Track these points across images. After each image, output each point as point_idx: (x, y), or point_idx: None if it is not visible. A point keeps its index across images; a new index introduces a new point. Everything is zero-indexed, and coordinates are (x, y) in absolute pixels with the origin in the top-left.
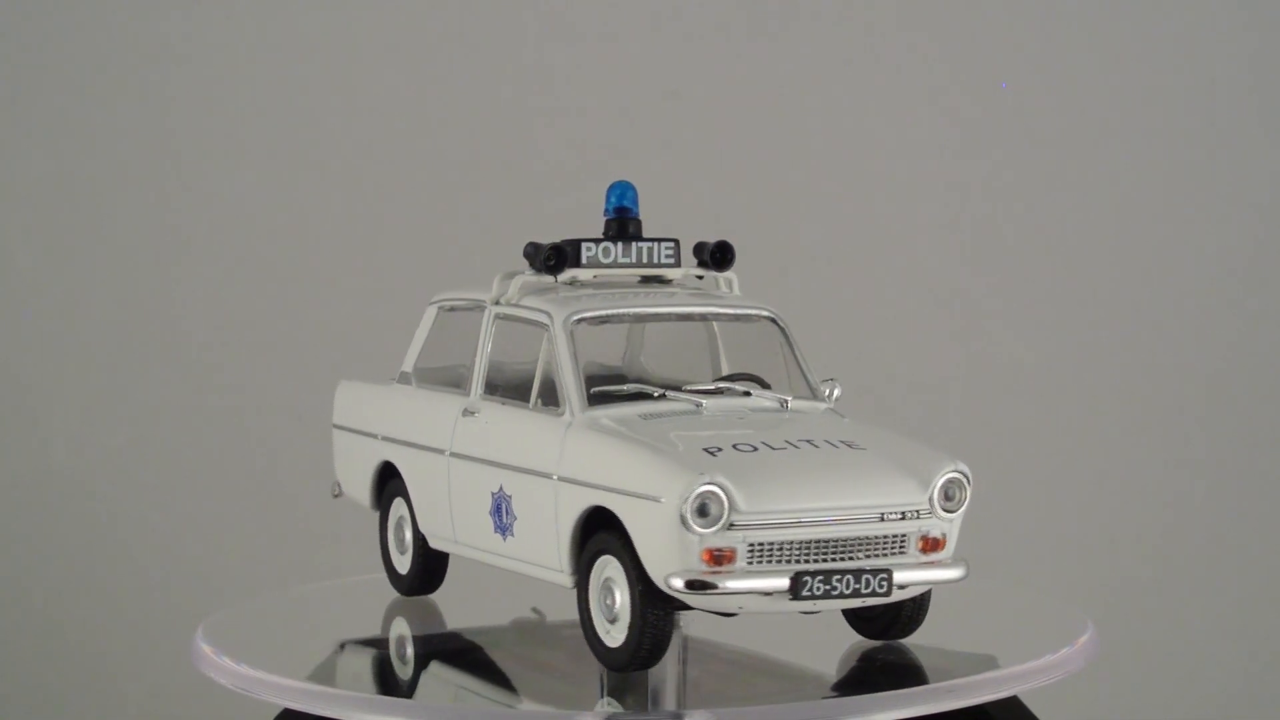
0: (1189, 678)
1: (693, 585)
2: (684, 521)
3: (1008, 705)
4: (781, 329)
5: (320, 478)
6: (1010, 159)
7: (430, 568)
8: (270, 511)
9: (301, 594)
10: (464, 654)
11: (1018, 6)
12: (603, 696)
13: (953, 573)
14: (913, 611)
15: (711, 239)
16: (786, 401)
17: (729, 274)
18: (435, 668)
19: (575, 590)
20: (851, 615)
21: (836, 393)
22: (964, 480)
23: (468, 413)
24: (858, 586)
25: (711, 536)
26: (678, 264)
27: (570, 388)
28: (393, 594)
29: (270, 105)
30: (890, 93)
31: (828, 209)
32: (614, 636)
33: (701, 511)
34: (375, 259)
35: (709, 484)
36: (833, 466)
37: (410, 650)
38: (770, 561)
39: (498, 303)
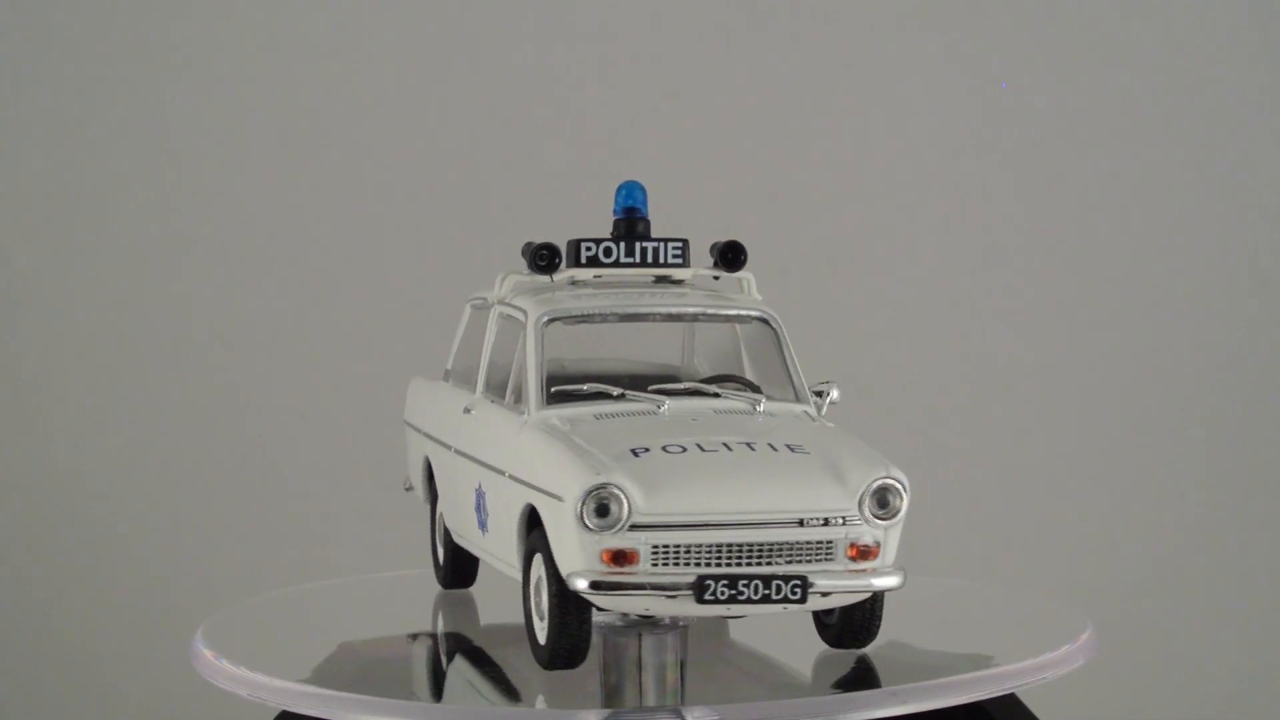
0: (1188, 678)
1: (596, 586)
2: (581, 521)
3: (1006, 704)
4: (774, 330)
5: (321, 477)
6: (1010, 159)
7: (459, 563)
8: (270, 511)
9: (301, 594)
10: (464, 653)
11: (1018, 6)
12: (603, 694)
13: (883, 581)
14: (863, 620)
15: (715, 239)
16: (758, 403)
17: (745, 274)
18: (435, 667)
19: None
20: (815, 623)
21: (834, 395)
22: (898, 488)
23: (467, 410)
24: (767, 592)
25: (611, 537)
26: (685, 264)
27: (530, 386)
28: (392, 594)
29: (270, 105)
30: (890, 93)
31: (828, 209)
32: (542, 634)
33: (600, 511)
34: (375, 259)
35: (603, 484)
36: (755, 469)
37: (410, 650)
38: (675, 564)
39: (500, 301)
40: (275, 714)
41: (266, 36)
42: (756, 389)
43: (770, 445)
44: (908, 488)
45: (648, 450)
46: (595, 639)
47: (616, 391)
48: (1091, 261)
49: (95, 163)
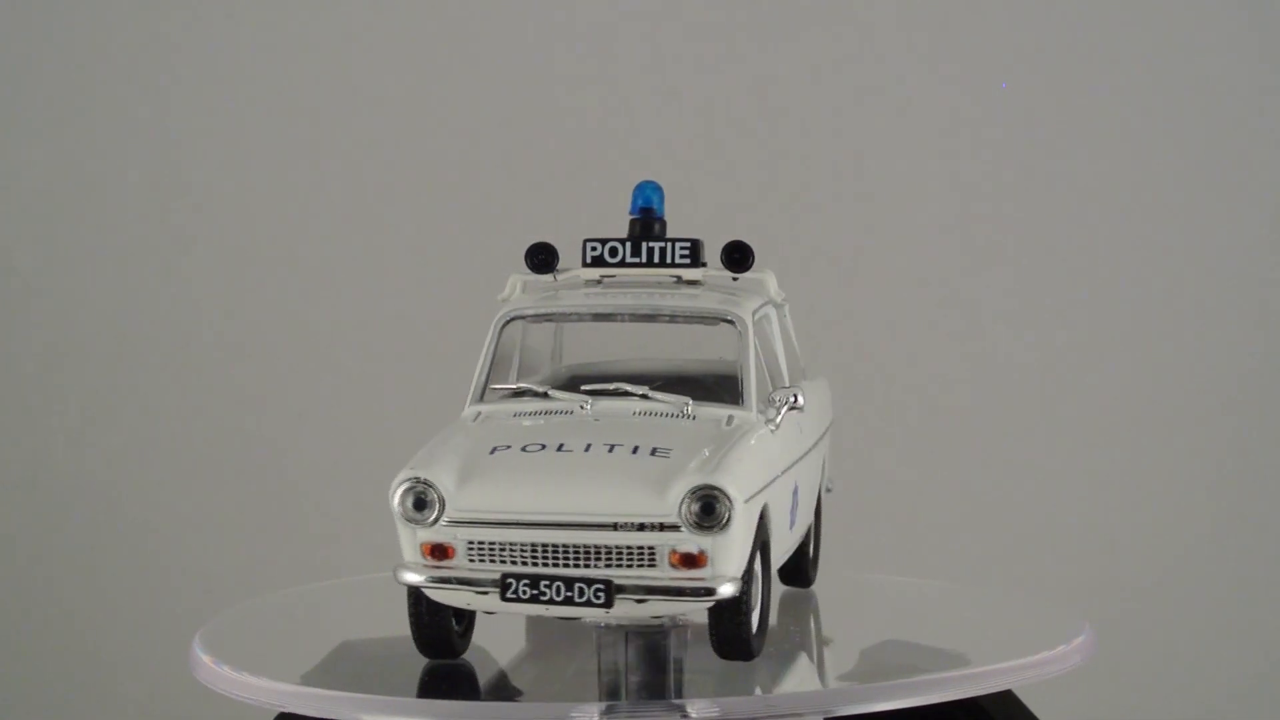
0: (1187, 678)
1: (417, 578)
2: (400, 513)
3: (1004, 702)
4: (739, 332)
5: (321, 478)
6: (1010, 159)
7: None
8: (270, 511)
9: (300, 595)
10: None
11: (1018, 6)
12: (602, 688)
13: (705, 592)
14: (730, 632)
15: (720, 239)
16: (686, 406)
17: (758, 274)
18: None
19: None
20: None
21: (794, 400)
22: (719, 497)
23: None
24: (570, 594)
25: (426, 531)
26: (695, 264)
27: (472, 384)
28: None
29: (270, 106)
30: (890, 93)
31: (828, 209)
32: None
33: (417, 505)
34: (376, 259)
35: (416, 477)
36: (587, 471)
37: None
38: (489, 560)
39: (502, 300)
40: (275, 715)
41: (266, 37)
42: (719, 392)
43: (634, 449)
44: (733, 498)
45: (508, 448)
46: (591, 636)
47: (541, 390)
48: (1091, 262)
49: (95, 163)
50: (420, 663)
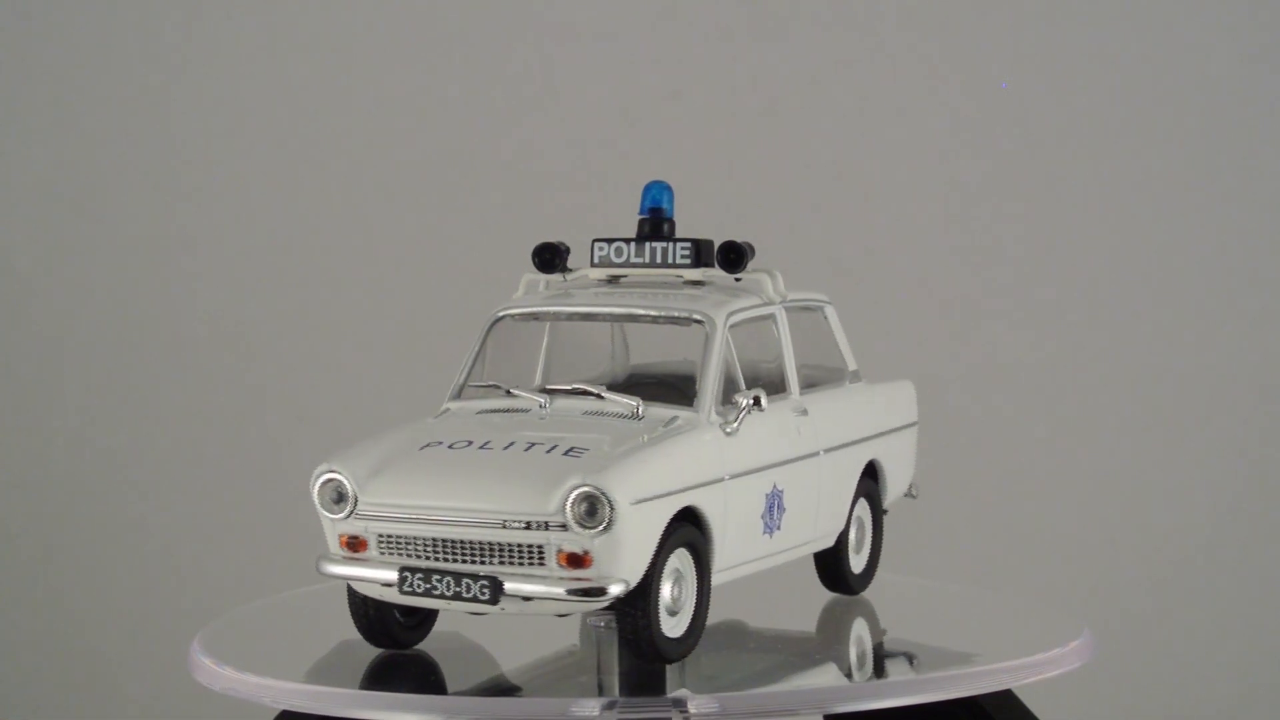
0: (1187, 678)
1: (332, 569)
2: (317, 505)
3: (1004, 702)
4: (706, 333)
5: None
6: (1010, 159)
7: None
8: (271, 512)
9: (301, 595)
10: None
11: (1018, 6)
12: (602, 684)
13: (585, 592)
14: (632, 633)
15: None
16: (638, 406)
17: (758, 273)
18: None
19: None
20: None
21: (749, 402)
22: (598, 498)
23: None
24: (458, 590)
25: (342, 523)
26: (696, 264)
27: (454, 381)
28: None
29: (270, 106)
30: (890, 92)
31: (828, 209)
32: None
33: (336, 498)
34: (376, 260)
35: (329, 470)
36: (494, 469)
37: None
38: (395, 554)
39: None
40: (277, 714)
41: (266, 37)
42: (685, 394)
43: (552, 448)
44: (614, 500)
45: (438, 445)
46: (591, 633)
47: (504, 389)
48: (1091, 262)
49: (95, 163)
50: (422, 661)
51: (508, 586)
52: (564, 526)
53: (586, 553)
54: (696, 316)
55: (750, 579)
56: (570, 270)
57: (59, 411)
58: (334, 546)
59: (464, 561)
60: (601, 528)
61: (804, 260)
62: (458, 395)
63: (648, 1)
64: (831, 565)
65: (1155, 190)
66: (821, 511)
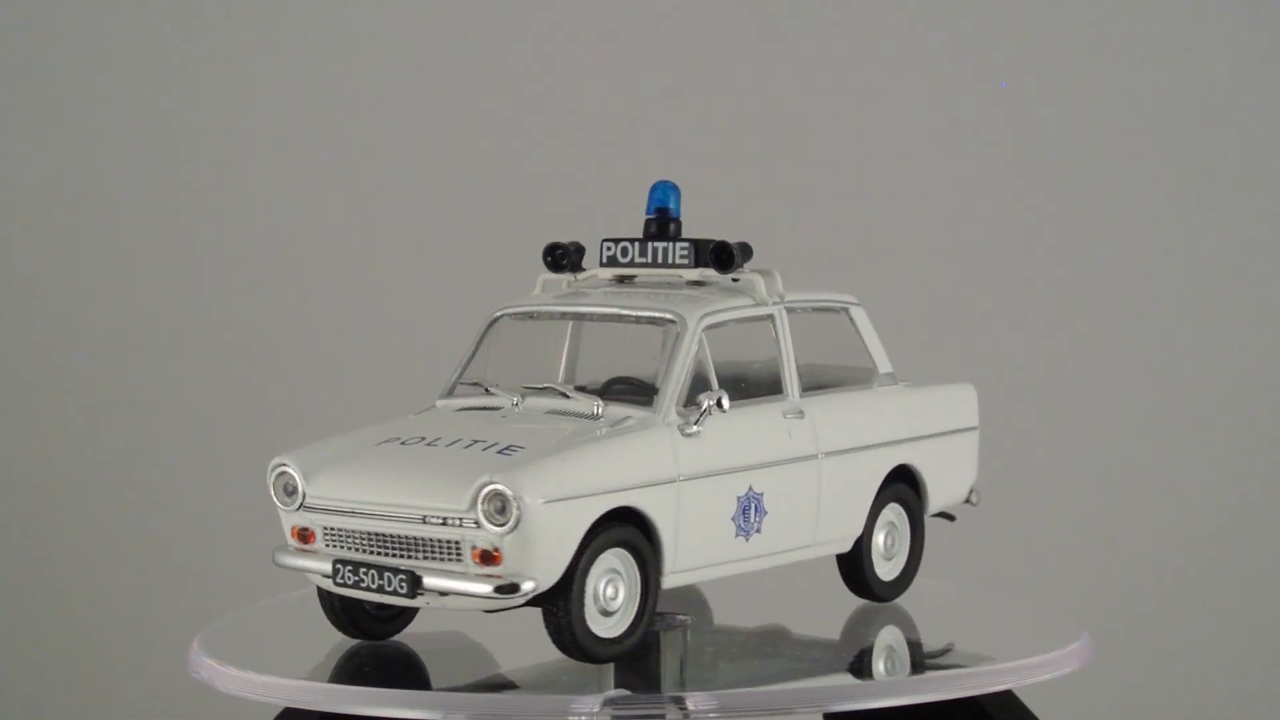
0: (1187, 679)
1: (284, 560)
2: (272, 497)
3: (1004, 702)
4: (676, 334)
5: None
6: (1010, 158)
7: None
8: (271, 512)
9: (301, 596)
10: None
11: (1018, 6)
12: (603, 680)
13: (480, 588)
14: (555, 631)
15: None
16: (597, 406)
17: (750, 274)
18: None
19: None
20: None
21: (710, 404)
22: (506, 496)
23: None
24: (381, 583)
25: (293, 515)
26: (693, 265)
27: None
28: None
29: (270, 106)
30: (890, 92)
31: (828, 209)
32: None
33: (287, 490)
34: (376, 261)
35: (280, 463)
36: (427, 465)
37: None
38: (336, 546)
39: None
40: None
41: (267, 37)
42: (647, 390)
43: (490, 445)
44: (520, 498)
45: (395, 440)
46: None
47: (484, 388)
48: (1091, 262)
49: (96, 163)
50: (423, 659)
51: (426, 581)
52: (477, 523)
53: (497, 550)
54: (669, 316)
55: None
56: (583, 270)
57: (59, 411)
58: (287, 538)
59: (393, 556)
60: (510, 525)
61: (804, 260)
62: (449, 393)
63: (648, 1)
64: (853, 571)
65: (1156, 190)
66: (824, 516)
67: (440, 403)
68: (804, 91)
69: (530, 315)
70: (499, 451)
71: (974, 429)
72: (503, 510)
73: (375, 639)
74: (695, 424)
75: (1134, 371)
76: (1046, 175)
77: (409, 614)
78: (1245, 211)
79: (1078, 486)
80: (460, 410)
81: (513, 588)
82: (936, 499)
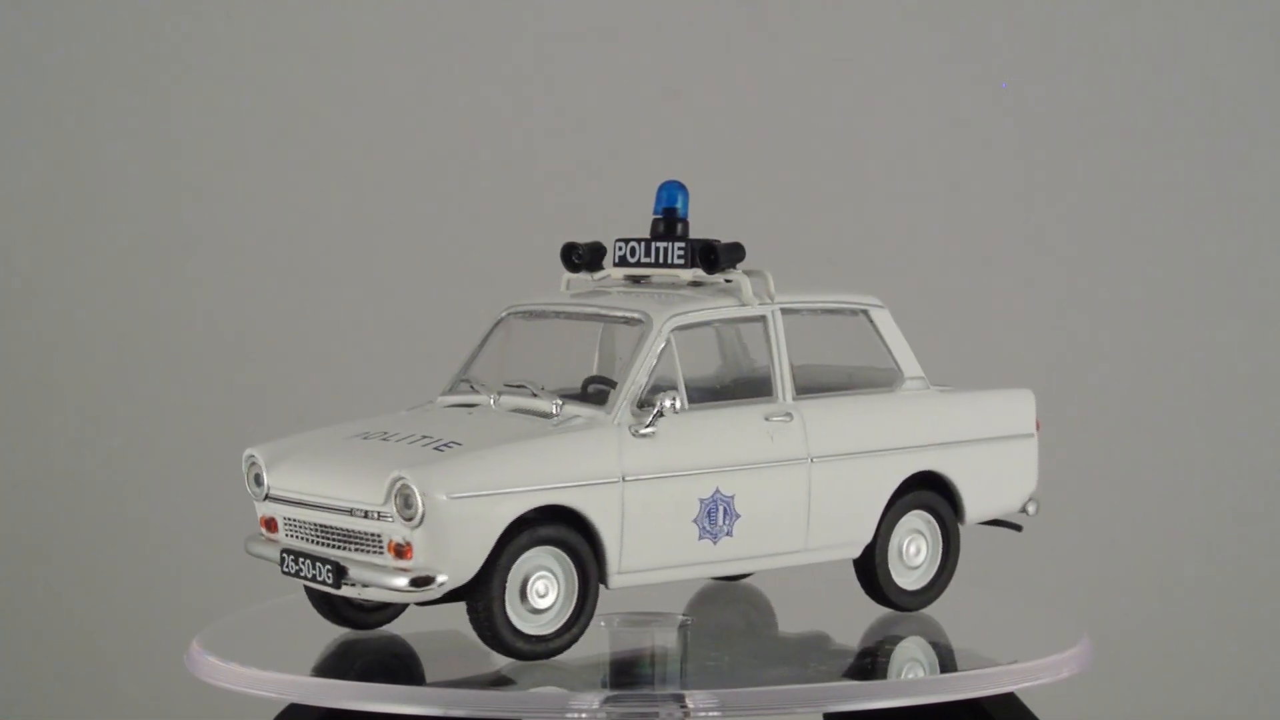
0: (1188, 682)
1: (251, 548)
2: (246, 486)
3: (1006, 704)
4: (640, 334)
5: None
6: (1010, 159)
7: None
8: None
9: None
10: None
11: (1018, 6)
12: (604, 679)
13: (395, 581)
14: (478, 625)
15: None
16: (556, 405)
17: (739, 274)
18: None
19: None
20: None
21: (666, 404)
22: (410, 490)
23: None
24: (314, 572)
25: (260, 505)
26: (688, 265)
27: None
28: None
29: (271, 106)
30: (890, 92)
31: (828, 209)
32: None
33: (257, 480)
34: (376, 261)
35: (250, 455)
36: (366, 460)
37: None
38: (293, 536)
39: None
40: (279, 711)
41: (267, 37)
42: (606, 386)
43: (431, 440)
44: (424, 493)
45: (360, 436)
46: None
47: (468, 385)
48: (1091, 263)
49: (96, 163)
50: (424, 656)
51: (350, 573)
52: (391, 517)
53: (408, 543)
54: (637, 316)
55: (753, 581)
56: (601, 269)
57: (59, 411)
58: (259, 528)
59: (329, 547)
60: (416, 520)
61: (803, 259)
62: (450, 389)
63: (648, 1)
64: (868, 578)
65: (1155, 191)
66: (817, 521)
67: (439, 399)
68: (804, 91)
69: (532, 314)
70: (435, 448)
71: (1030, 436)
72: (408, 504)
73: (362, 629)
74: (649, 425)
75: (1134, 373)
76: (1047, 175)
77: (393, 607)
78: (1245, 211)
79: (1079, 489)
80: (449, 406)
81: (426, 580)
82: (978, 508)
